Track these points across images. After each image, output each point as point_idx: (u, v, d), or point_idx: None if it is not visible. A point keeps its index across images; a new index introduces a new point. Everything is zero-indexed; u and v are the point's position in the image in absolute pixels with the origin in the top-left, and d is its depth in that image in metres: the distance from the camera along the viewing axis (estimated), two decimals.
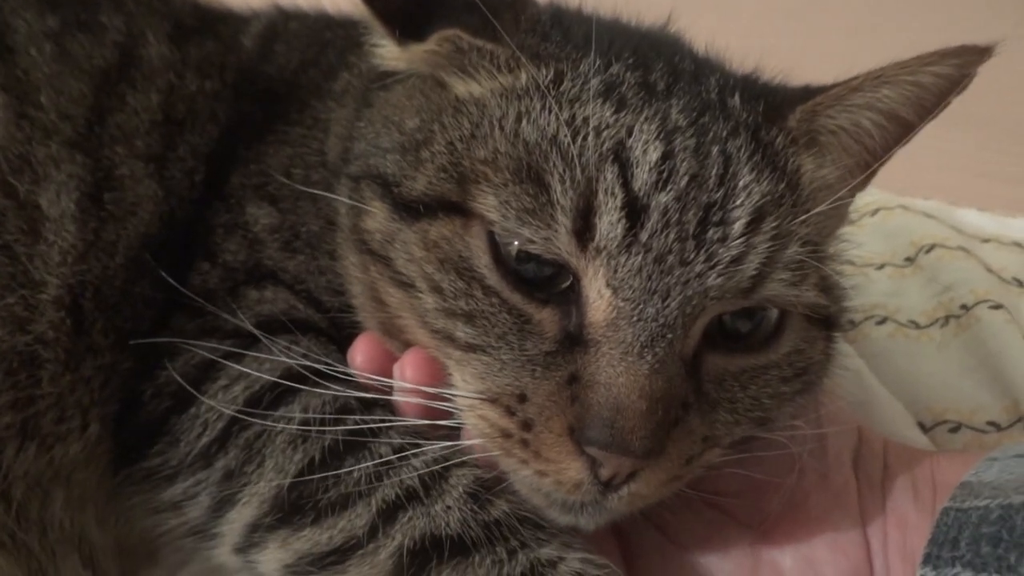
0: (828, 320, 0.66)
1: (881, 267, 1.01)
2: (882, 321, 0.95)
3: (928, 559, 0.58)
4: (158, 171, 0.72)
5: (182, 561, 0.77)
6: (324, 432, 0.63)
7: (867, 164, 0.66)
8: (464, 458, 0.62)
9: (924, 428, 0.86)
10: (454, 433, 0.63)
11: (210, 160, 0.75)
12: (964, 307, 0.92)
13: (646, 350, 0.56)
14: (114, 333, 0.68)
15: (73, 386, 0.66)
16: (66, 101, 0.70)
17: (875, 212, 1.07)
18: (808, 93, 0.65)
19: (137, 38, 0.75)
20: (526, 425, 0.58)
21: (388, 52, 0.66)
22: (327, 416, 0.63)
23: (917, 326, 0.93)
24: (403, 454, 0.62)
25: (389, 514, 0.60)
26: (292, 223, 0.72)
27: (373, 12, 0.63)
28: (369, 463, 0.61)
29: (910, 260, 1.00)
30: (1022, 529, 0.54)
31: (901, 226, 1.04)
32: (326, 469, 0.62)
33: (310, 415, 0.63)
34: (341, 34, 0.80)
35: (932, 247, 0.98)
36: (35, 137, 0.68)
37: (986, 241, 1.02)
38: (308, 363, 0.64)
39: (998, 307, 0.90)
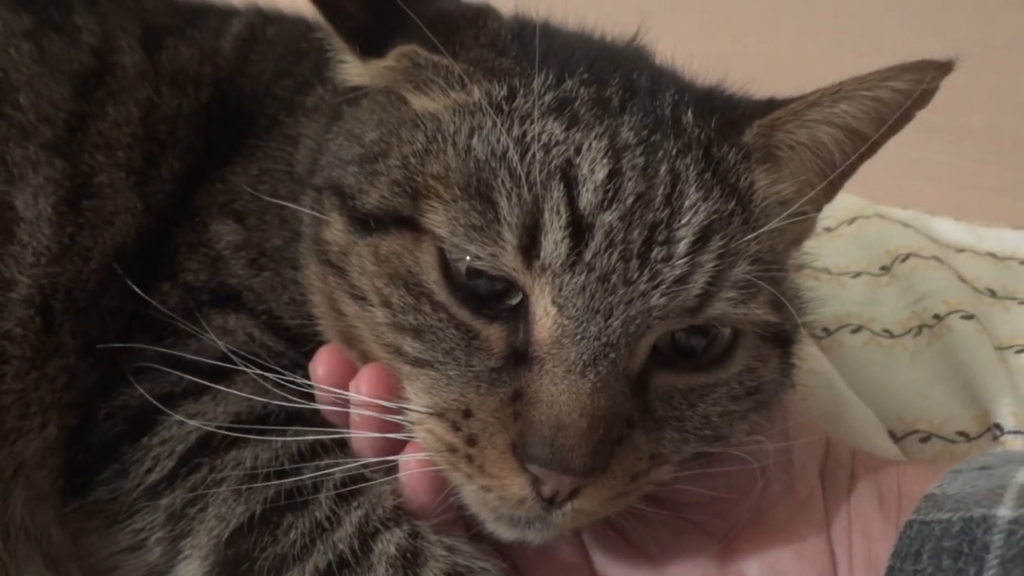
0: (782, 337, 0.65)
1: (857, 275, 1.01)
2: (856, 330, 0.95)
3: (891, 572, 0.58)
4: (139, 185, 0.72)
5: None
6: (268, 485, 0.62)
7: (825, 177, 0.65)
8: (391, 510, 0.62)
9: (895, 437, 0.86)
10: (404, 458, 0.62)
11: (184, 181, 0.75)
12: (937, 317, 0.92)
13: (588, 368, 0.56)
14: (81, 336, 0.68)
15: (37, 383, 0.66)
16: (45, 104, 0.70)
17: (852, 221, 1.08)
18: (767, 107, 0.65)
19: (111, 42, 0.75)
20: (471, 440, 0.57)
21: (351, 68, 0.66)
22: (272, 469, 0.63)
23: (891, 335, 0.94)
24: (336, 516, 0.61)
25: None
26: (258, 240, 0.71)
27: (335, 29, 0.63)
28: (305, 524, 0.61)
29: (886, 269, 1.00)
30: (982, 542, 0.54)
31: (877, 235, 1.04)
32: (265, 524, 0.61)
33: (259, 467, 0.63)
34: (316, 44, 0.80)
35: (907, 256, 0.99)
36: (12, 137, 0.68)
37: (961, 251, 1.03)
38: (265, 400, 0.64)
39: (969, 317, 0.90)
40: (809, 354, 0.91)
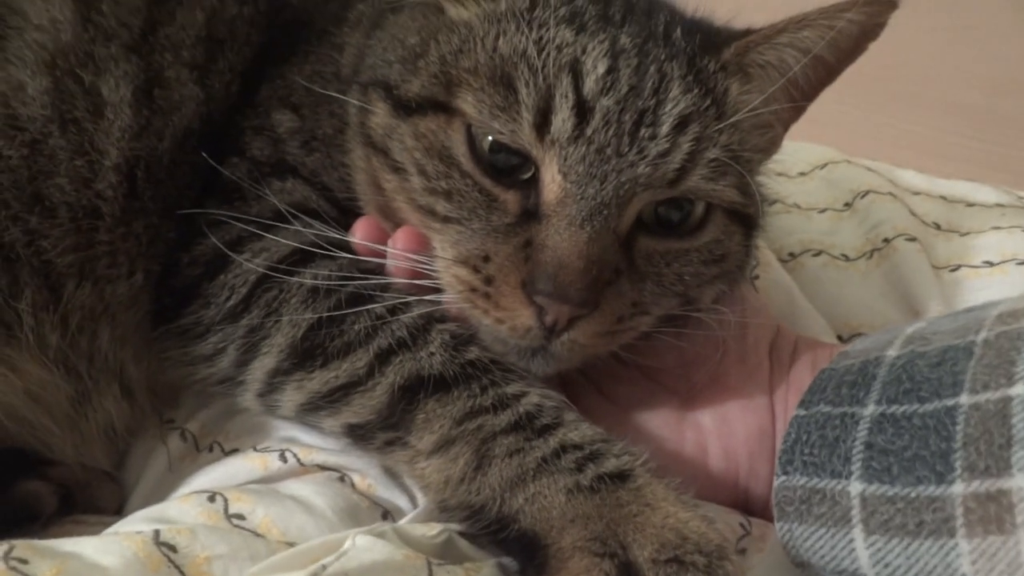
0: (747, 219, 0.79)
1: (823, 211, 1.13)
2: (817, 254, 1.08)
3: (802, 403, 0.71)
4: (201, 78, 0.85)
5: (201, 405, 0.91)
6: (330, 294, 0.75)
7: (791, 96, 0.79)
8: (442, 314, 0.75)
9: (841, 339, 0.99)
10: (435, 297, 0.76)
11: (244, 76, 0.88)
12: (886, 240, 1.04)
13: (586, 222, 0.69)
14: (161, 202, 0.82)
15: (125, 237, 0.80)
16: (124, 12, 0.83)
17: (824, 166, 1.20)
18: (744, 33, 0.79)
19: None
20: (488, 280, 0.71)
21: None
22: (332, 283, 0.75)
23: (847, 259, 1.06)
24: (395, 312, 0.74)
25: (383, 358, 0.73)
26: (310, 127, 0.85)
27: None
28: (366, 319, 0.74)
29: (848, 205, 1.12)
30: (873, 374, 0.66)
31: (844, 176, 1.17)
32: (332, 324, 0.74)
33: (319, 281, 0.76)
34: None
35: (867, 193, 1.11)
36: (97, 39, 0.81)
37: (916, 194, 1.15)
38: (318, 240, 0.76)
39: (913, 239, 1.03)
40: (773, 267, 1.05)
